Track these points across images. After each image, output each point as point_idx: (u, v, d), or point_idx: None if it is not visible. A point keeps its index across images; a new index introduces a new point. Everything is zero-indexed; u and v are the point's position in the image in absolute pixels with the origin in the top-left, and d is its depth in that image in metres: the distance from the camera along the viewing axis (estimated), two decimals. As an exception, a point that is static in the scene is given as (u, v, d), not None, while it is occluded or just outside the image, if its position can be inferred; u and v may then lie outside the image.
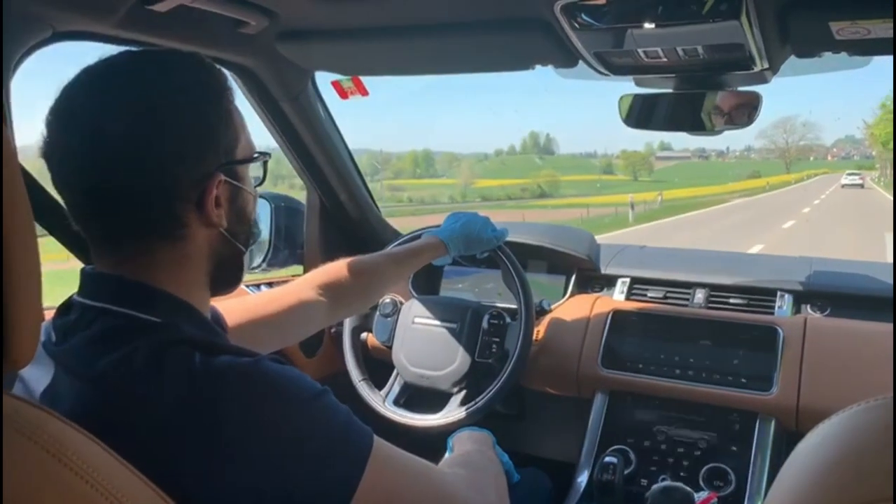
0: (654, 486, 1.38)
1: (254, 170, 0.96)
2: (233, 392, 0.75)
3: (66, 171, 0.80)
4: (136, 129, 0.78)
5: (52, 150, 0.80)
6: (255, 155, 0.93)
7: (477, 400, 1.69)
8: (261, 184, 1.00)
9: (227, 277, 0.92)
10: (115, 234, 0.82)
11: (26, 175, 1.10)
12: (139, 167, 0.78)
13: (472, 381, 1.76)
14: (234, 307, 1.18)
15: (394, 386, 1.83)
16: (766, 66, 1.32)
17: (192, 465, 0.71)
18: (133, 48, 0.88)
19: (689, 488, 1.36)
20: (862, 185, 45.77)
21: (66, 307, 0.84)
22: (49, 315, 0.87)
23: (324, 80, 1.81)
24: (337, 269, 1.41)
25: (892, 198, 32.10)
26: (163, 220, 0.81)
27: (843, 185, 46.14)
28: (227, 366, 0.76)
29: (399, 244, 1.74)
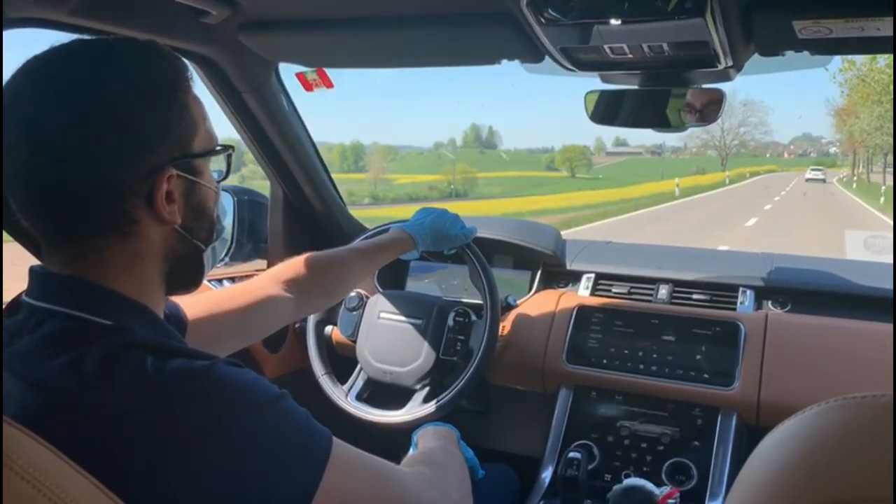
0: (616, 487, 1.38)
1: (218, 163, 0.93)
2: (186, 397, 0.72)
3: (7, 167, 0.77)
4: (76, 123, 0.75)
5: None
6: (217, 148, 0.89)
7: (440, 397, 1.68)
8: (224, 178, 0.97)
9: (184, 277, 0.89)
10: (61, 231, 0.79)
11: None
12: (80, 162, 0.75)
13: (436, 378, 1.75)
14: (197, 302, 1.15)
15: (357, 381, 1.82)
16: (730, 63, 1.32)
17: (145, 472, 0.69)
18: (86, 36, 0.85)
19: (650, 488, 1.37)
20: (824, 180, 47.68)
21: (14, 306, 0.81)
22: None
23: (288, 72, 1.79)
24: (303, 263, 1.38)
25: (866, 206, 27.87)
26: (110, 217, 0.78)
27: (807, 179, 48.48)
28: (181, 370, 0.73)
29: (366, 238, 1.72)
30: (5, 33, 1.15)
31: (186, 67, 0.86)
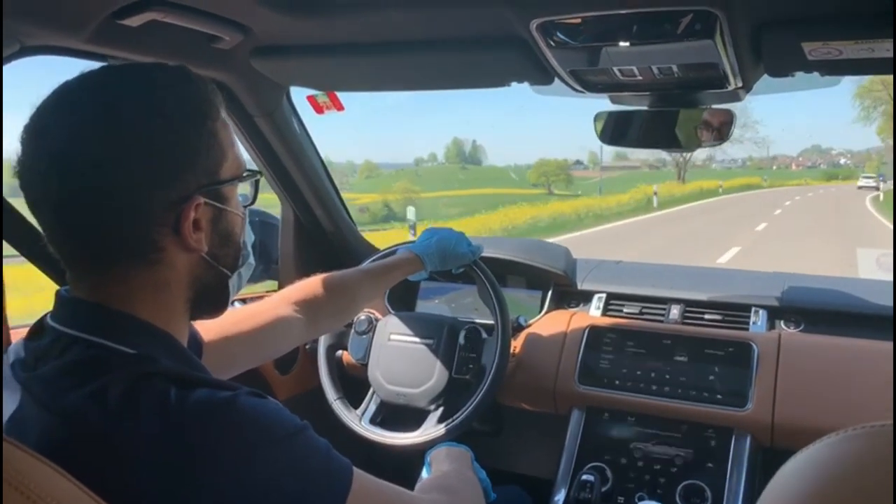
0: None
1: (243, 187, 0.92)
2: (209, 429, 0.72)
3: (34, 193, 0.77)
4: (104, 151, 0.75)
5: (22, 171, 0.77)
6: (244, 174, 0.89)
7: (454, 417, 1.67)
8: (251, 203, 0.96)
9: (209, 303, 0.89)
10: (87, 258, 0.79)
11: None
12: (107, 190, 0.75)
13: (450, 398, 1.74)
14: (211, 324, 1.15)
15: (370, 405, 1.81)
16: (739, 84, 1.33)
17: (165, 503, 0.69)
18: (114, 63, 0.85)
19: None
20: (878, 188, 44.60)
21: (38, 329, 0.81)
22: (17, 335, 0.84)
23: (299, 95, 1.80)
24: (313, 284, 1.40)
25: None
26: (136, 246, 0.78)
27: (859, 187, 45.89)
28: (204, 402, 0.73)
29: (374, 260, 1.72)
30: (23, 61, 1.17)
31: (216, 92, 0.85)
